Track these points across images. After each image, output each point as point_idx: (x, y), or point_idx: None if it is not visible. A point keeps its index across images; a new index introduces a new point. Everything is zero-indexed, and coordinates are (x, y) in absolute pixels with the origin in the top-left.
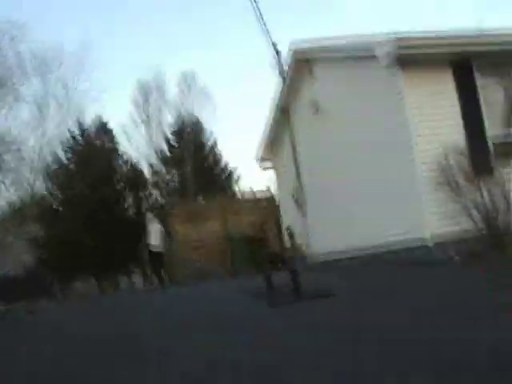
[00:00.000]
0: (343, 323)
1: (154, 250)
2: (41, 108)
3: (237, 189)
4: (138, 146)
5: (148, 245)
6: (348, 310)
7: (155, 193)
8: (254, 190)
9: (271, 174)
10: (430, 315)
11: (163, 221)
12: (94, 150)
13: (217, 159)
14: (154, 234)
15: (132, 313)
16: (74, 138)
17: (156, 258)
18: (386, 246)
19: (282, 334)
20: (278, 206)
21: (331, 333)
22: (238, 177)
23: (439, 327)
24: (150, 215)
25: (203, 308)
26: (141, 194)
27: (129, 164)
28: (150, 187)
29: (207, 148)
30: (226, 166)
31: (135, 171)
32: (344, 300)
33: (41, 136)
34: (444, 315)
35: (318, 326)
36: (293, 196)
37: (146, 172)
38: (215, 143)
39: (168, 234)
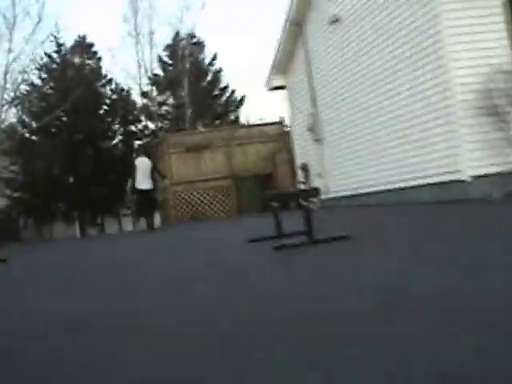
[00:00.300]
0: (350, 270)
1: (142, 188)
2: (7, 20)
3: (242, 115)
4: (125, 66)
5: (134, 184)
6: (359, 257)
7: (145, 119)
8: (263, 119)
9: (283, 102)
10: (452, 262)
11: (155, 153)
12: (72, 69)
13: (217, 79)
14: (143, 171)
15: (99, 264)
16: (48, 55)
17: (145, 198)
18: (416, 183)
19: (280, 281)
20: (291, 136)
21: (331, 280)
22: (243, 99)
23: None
24: (139, 150)
25: (192, 252)
26: (131, 126)
27: (114, 86)
28: (139, 112)
29: (206, 66)
30: (228, 87)
31: (122, 94)
32: (359, 244)
33: (7, 53)
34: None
35: (320, 273)
36: (307, 125)
37: (135, 95)
38: (215, 60)
39: (158, 172)
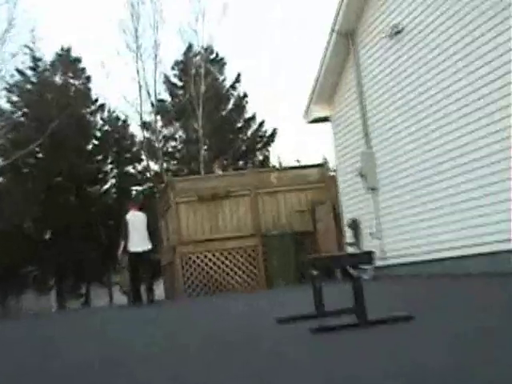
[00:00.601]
0: (413, 366)
1: (136, 250)
2: None
3: (272, 155)
4: (122, 88)
5: (126, 244)
6: (425, 345)
7: (147, 158)
8: (301, 160)
9: (326, 138)
10: None
11: (159, 202)
12: (53, 91)
13: (241, 107)
14: (137, 229)
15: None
16: (22, 73)
17: (141, 262)
18: (504, 248)
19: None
20: (336, 184)
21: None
22: (274, 133)
23: None
24: (131, 201)
25: (198, 340)
26: (127, 167)
27: (107, 114)
28: (138, 149)
29: (227, 90)
30: (254, 117)
31: (117, 125)
32: (427, 328)
33: None
34: None
35: (372, 369)
36: (358, 169)
37: (134, 127)
38: (238, 83)
39: (149, 233)
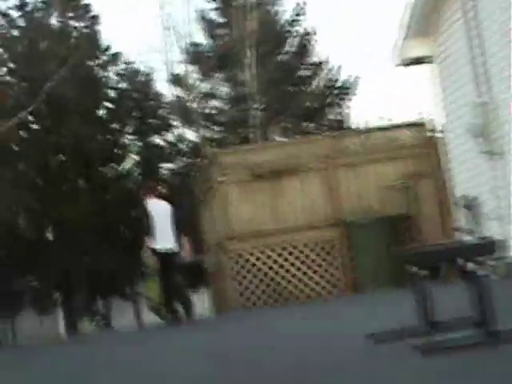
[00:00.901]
0: None
1: (162, 248)
2: None
3: (352, 113)
4: (143, 31)
5: (150, 244)
6: None
7: (180, 124)
8: (391, 119)
9: (426, 86)
10: None
11: (197, 182)
12: (48, 37)
13: (306, 49)
14: (161, 220)
15: None
16: (4, 14)
17: (170, 266)
18: None
19: None
20: (442, 149)
21: None
22: (355, 83)
23: None
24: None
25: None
26: (153, 137)
27: (123, 66)
28: (167, 112)
29: (286, 27)
30: (325, 62)
31: (137, 80)
32: None
33: None
34: None
35: None
36: (472, 128)
37: (161, 83)
38: (301, 15)
39: (177, 227)
